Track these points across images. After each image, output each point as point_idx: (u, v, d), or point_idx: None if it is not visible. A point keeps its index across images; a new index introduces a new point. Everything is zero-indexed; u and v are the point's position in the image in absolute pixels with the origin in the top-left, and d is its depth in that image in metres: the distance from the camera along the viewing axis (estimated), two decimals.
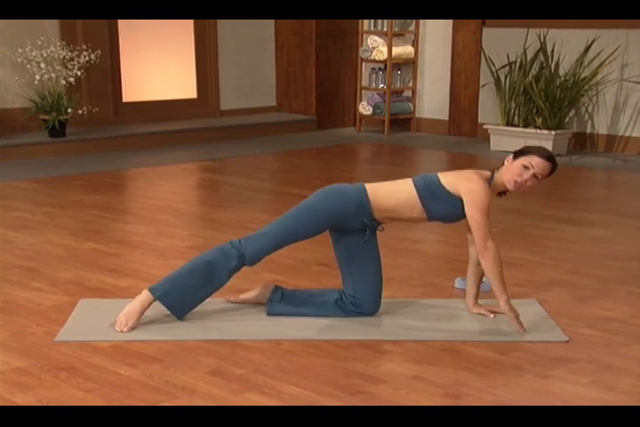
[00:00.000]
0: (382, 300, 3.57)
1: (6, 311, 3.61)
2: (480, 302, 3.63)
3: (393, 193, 3.48)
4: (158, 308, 3.48)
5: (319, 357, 3.18)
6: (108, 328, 3.40)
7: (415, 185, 3.44)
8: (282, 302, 3.56)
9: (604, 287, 3.99)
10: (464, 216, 3.41)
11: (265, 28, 8.89)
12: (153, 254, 4.48)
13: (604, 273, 4.20)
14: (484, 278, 3.65)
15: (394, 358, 3.20)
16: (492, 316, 3.56)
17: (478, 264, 3.51)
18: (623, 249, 4.67)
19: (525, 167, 3.35)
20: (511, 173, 3.38)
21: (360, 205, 3.43)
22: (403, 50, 8.56)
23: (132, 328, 3.39)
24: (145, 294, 3.44)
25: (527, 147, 3.47)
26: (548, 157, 3.39)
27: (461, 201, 3.39)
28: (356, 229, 3.48)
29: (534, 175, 3.36)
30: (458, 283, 3.94)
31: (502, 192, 3.51)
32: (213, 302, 3.59)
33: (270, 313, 3.56)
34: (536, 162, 3.36)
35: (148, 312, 3.47)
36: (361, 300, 3.52)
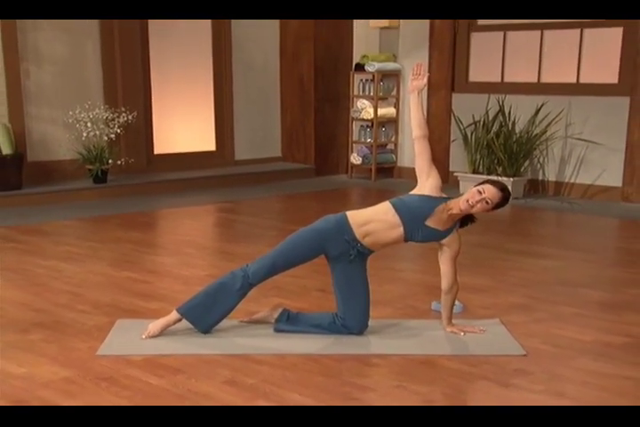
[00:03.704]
0: (370, 320, 3.55)
1: (57, 330, 3.60)
2: (453, 321, 3.62)
3: (369, 209, 3.51)
4: (184, 326, 3.47)
5: (318, 368, 3.16)
6: (141, 344, 3.38)
7: (389, 200, 3.50)
8: (287, 322, 3.55)
9: (555, 310, 3.98)
10: (431, 212, 3.43)
11: (272, 93, 8.94)
12: (178, 282, 4.47)
13: (555, 298, 4.19)
14: (455, 302, 3.65)
15: (380, 369, 3.18)
16: (462, 334, 3.54)
17: (446, 293, 3.53)
18: (571, 277, 4.66)
19: (478, 192, 3.39)
20: (466, 195, 3.42)
21: (338, 222, 3.43)
22: (386, 111, 8.60)
23: (152, 337, 3.43)
24: (172, 313, 3.47)
25: (487, 179, 3.53)
26: (501, 187, 3.41)
27: (431, 200, 3.46)
28: (343, 253, 3.44)
29: (484, 199, 3.37)
30: (434, 306, 3.92)
31: (463, 222, 3.52)
32: (229, 321, 3.57)
33: (277, 330, 3.56)
34: (487, 188, 3.39)
35: (176, 329, 3.46)
36: (349, 322, 3.50)
